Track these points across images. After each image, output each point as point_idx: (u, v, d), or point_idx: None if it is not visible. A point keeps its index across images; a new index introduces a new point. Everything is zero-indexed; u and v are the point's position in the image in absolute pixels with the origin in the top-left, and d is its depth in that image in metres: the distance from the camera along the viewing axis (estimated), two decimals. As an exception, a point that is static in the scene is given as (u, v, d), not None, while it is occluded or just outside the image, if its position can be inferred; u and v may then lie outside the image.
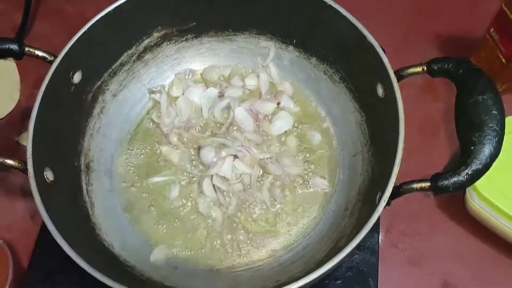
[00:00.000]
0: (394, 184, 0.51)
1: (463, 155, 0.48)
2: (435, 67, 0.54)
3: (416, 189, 0.50)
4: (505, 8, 0.66)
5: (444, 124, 0.75)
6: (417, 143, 0.73)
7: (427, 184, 0.50)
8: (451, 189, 0.48)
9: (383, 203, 0.49)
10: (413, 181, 0.51)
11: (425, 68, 0.54)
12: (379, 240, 0.66)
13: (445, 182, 0.48)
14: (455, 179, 0.48)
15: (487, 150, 0.47)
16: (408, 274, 0.66)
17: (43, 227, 0.68)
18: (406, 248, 0.67)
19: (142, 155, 0.70)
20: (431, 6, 0.85)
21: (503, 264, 0.66)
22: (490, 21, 0.71)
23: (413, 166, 0.67)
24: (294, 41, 0.70)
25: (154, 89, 0.73)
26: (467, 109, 0.49)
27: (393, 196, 0.51)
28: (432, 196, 0.69)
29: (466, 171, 0.48)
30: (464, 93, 0.50)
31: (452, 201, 0.69)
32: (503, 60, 0.70)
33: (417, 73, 0.55)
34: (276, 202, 0.65)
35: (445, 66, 0.53)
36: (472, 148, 0.48)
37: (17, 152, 0.75)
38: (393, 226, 0.69)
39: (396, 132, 0.54)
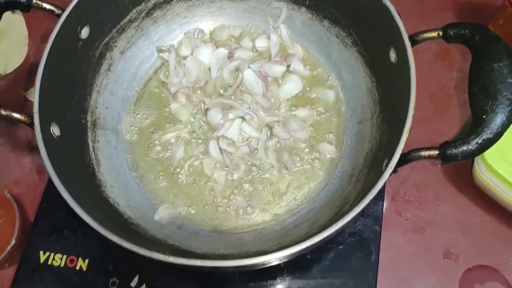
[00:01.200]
0: (402, 151, 0.50)
1: (474, 123, 0.47)
2: (451, 32, 0.52)
3: (424, 157, 0.49)
4: (528, -25, 0.64)
5: (457, 93, 0.74)
6: (428, 111, 0.72)
7: (436, 152, 0.49)
8: (459, 157, 0.47)
9: (389, 169, 0.49)
10: (421, 149, 0.50)
11: (441, 33, 0.53)
12: (384, 208, 0.66)
13: (454, 151, 0.47)
14: (464, 147, 0.47)
15: (499, 119, 0.46)
16: (410, 243, 0.66)
17: (50, 182, 0.68)
18: (410, 217, 0.67)
19: (149, 114, 0.69)
20: (449, -30, 0.82)
21: (507, 236, 0.66)
22: (511, -12, 0.68)
23: (423, 134, 0.67)
24: (307, 2, 0.68)
25: (162, 47, 0.72)
26: (482, 76, 0.48)
27: (400, 163, 0.50)
28: (439, 165, 0.68)
29: (476, 140, 0.47)
30: (479, 59, 0.49)
31: (459, 171, 0.68)
32: (522, 29, 0.68)
33: (432, 38, 0.53)
34: (286, 167, 0.64)
35: (461, 32, 0.51)
36: (484, 116, 0.46)
37: (25, 107, 0.76)
38: (399, 194, 0.68)
39: (407, 99, 0.53)
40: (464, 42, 0.51)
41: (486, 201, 0.66)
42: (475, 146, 0.47)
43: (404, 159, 0.50)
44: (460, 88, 0.74)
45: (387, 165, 0.50)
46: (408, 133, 0.50)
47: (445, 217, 0.67)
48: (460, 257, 0.65)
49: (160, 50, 0.72)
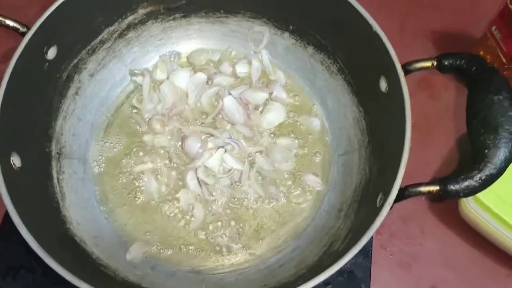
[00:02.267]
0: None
1: (476, 158, 0.45)
2: (446, 63, 0.50)
3: (423, 193, 0.47)
4: (511, 6, 0.64)
5: (439, 122, 0.72)
6: (411, 140, 0.70)
7: (436, 187, 0.46)
8: (461, 194, 0.45)
9: (387, 206, 0.46)
10: (420, 184, 0.47)
11: (435, 63, 0.51)
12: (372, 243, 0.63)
13: (456, 187, 0.45)
14: (467, 183, 0.45)
15: (502, 154, 0.44)
16: (397, 278, 0.63)
17: (6, 216, 0.62)
18: (395, 251, 0.65)
19: (119, 142, 0.65)
20: (428, 0, 0.82)
21: (494, 271, 0.64)
22: (491, 19, 0.68)
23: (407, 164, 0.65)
24: (291, 27, 0.66)
25: (136, 71, 0.67)
26: (481, 109, 0.46)
27: (397, 199, 0.47)
28: (433, 201, 0.66)
29: (479, 175, 0.44)
30: (477, 92, 0.47)
31: (445, 203, 0.66)
32: (504, 60, 0.67)
33: (426, 68, 0.52)
34: (276, 199, 0.61)
35: (457, 62, 0.50)
36: (486, 151, 0.44)
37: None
38: (383, 227, 0.66)
39: (400, 130, 0.51)
40: (459, 73, 0.50)
41: (472, 235, 0.64)
42: (478, 182, 0.44)
43: (401, 195, 0.48)
44: (442, 117, 0.73)
45: (382, 201, 0.47)
46: (405, 167, 0.48)
47: (431, 252, 0.65)
48: (448, 294, 0.62)
49: (133, 74, 0.67)
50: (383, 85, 0.55)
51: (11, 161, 0.51)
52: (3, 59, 0.74)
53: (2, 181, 0.47)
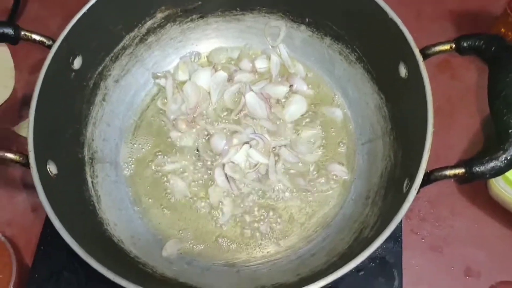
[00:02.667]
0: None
1: (500, 138, 0.45)
2: (465, 44, 0.50)
3: (449, 176, 0.47)
4: (529, -19, 0.63)
5: (463, 103, 0.72)
6: (435, 124, 0.70)
7: (461, 170, 0.46)
8: (487, 175, 0.45)
9: (414, 191, 0.46)
10: (445, 167, 0.48)
11: (453, 46, 0.51)
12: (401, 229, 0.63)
13: (482, 168, 0.45)
14: (493, 164, 0.45)
15: (526, 133, 0.44)
16: (430, 262, 0.63)
17: (47, 222, 0.64)
18: (426, 235, 0.65)
19: (148, 144, 0.66)
20: (444, -21, 0.81)
21: (528, 249, 0.64)
22: (511, -5, 0.67)
23: (432, 149, 0.65)
24: (307, 19, 0.66)
25: (158, 73, 0.69)
26: (503, 89, 0.46)
27: (423, 183, 0.47)
28: (459, 183, 0.66)
29: (505, 155, 0.44)
30: (498, 71, 0.47)
31: (473, 184, 0.65)
32: (525, 36, 0.66)
33: (445, 51, 0.52)
34: (307, 190, 0.62)
35: (476, 43, 0.49)
36: (510, 131, 0.44)
37: (15, 142, 0.72)
38: (412, 212, 0.66)
39: (422, 114, 0.51)
40: (479, 54, 0.50)
41: (503, 214, 0.64)
42: (504, 162, 0.44)
43: (427, 179, 0.48)
44: (465, 99, 0.72)
45: (408, 187, 0.48)
46: (429, 152, 0.48)
47: (462, 233, 0.65)
48: (482, 274, 0.62)
49: (156, 77, 0.69)
50: (403, 70, 0.55)
51: (48, 169, 0.53)
52: (31, 70, 0.77)
53: (41, 188, 0.49)
